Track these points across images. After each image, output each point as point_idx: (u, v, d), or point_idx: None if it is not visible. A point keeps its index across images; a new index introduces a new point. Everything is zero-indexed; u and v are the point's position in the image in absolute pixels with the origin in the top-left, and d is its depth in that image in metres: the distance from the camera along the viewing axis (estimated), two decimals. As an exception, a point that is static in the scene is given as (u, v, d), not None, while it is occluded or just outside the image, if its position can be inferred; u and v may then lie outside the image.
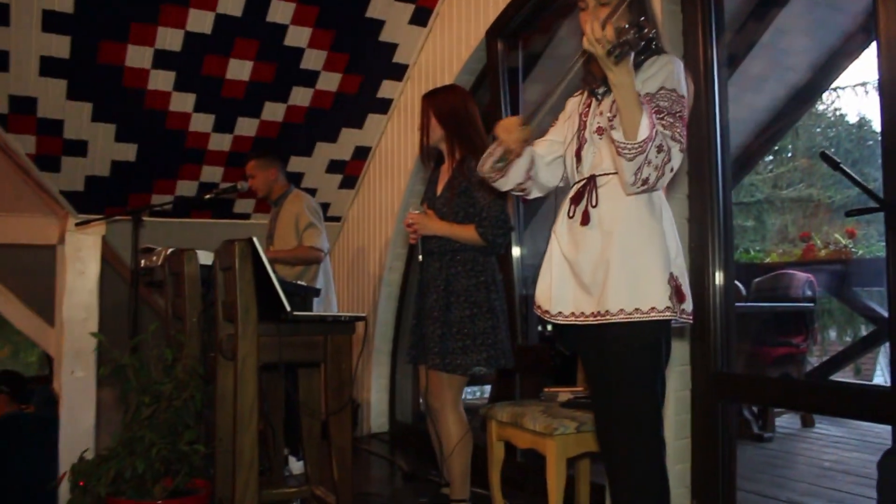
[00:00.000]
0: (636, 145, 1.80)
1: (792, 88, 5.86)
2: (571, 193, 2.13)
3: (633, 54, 1.79)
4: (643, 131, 1.79)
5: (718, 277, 2.92)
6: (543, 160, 2.23)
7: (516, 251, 4.01)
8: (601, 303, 1.96)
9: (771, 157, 12.07)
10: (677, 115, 1.90)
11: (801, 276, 5.16)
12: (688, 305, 2.00)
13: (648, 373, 1.96)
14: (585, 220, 2.03)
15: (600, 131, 2.03)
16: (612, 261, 1.95)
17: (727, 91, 3.04)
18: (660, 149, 1.82)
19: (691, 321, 2.03)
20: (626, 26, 1.70)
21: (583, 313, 2.03)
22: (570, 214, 2.09)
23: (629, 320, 1.92)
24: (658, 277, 1.92)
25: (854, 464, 4.00)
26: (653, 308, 1.90)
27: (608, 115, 1.98)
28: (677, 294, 1.95)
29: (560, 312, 2.09)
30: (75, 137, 4.59)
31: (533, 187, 2.26)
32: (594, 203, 2.03)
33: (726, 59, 3.14)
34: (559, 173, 2.26)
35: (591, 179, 2.05)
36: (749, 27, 5.09)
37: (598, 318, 1.97)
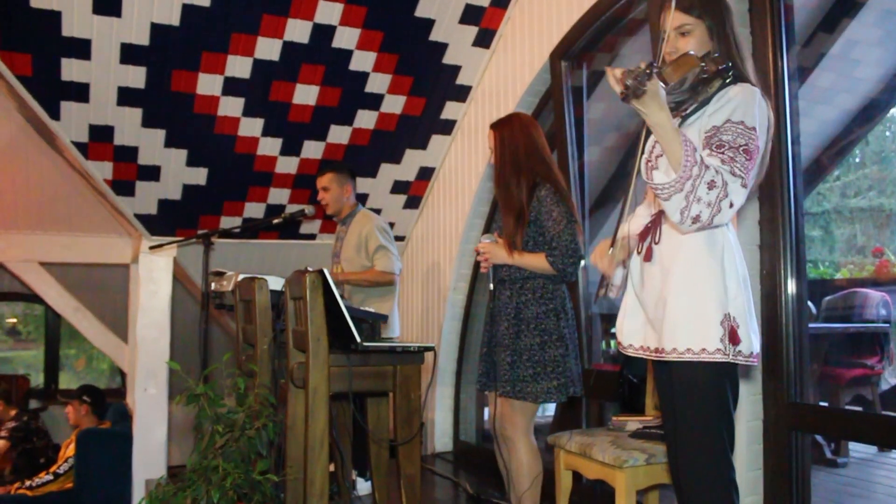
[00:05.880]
0: (667, 185, 1.78)
1: (864, 99, 5.72)
2: (641, 230, 2.13)
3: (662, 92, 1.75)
4: (677, 170, 1.77)
5: (791, 304, 2.86)
6: None
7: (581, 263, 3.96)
8: (660, 339, 1.98)
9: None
10: (741, 148, 1.82)
11: (875, 294, 4.99)
12: (745, 347, 1.90)
13: (710, 415, 1.93)
14: (648, 256, 2.06)
15: None
16: (668, 299, 1.95)
17: (797, 105, 2.97)
18: (711, 185, 1.76)
19: (754, 363, 1.95)
20: (630, 70, 1.67)
21: (648, 347, 2.08)
22: (639, 251, 2.11)
23: (681, 360, 1.92)
24: (710, 318, 1.89)
25: (935, 494, 3.85)
26: (703, 349, 1.89)
27: (645, 156, 1.90)
28: (731, 336, 1.88)
29: (630, 345, 2.14)
30: (149, 163, 4.74)
31: None
32: (657, 240, 2.04)
33: (796, 71, 3.06)
34: None
35: (659, 215, 2.05)
36: (819, 39, 4.98)
37: (658, 354, 1.99)
